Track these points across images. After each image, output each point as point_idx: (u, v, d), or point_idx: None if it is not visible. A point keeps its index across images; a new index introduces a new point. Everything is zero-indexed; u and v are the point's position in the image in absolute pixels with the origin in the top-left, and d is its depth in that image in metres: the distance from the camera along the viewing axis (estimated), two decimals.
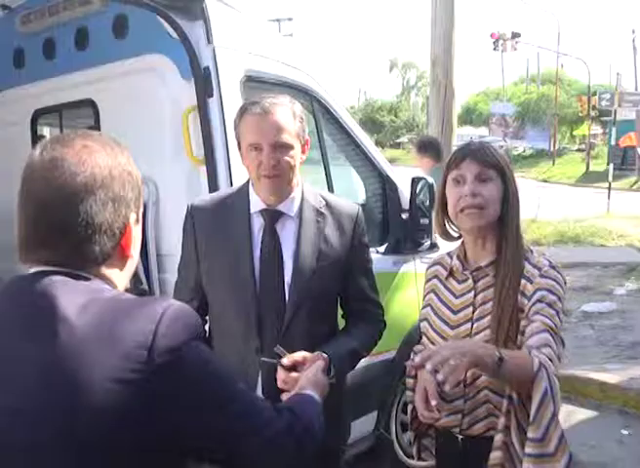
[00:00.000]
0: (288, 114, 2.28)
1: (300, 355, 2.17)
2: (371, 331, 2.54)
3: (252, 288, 2.34)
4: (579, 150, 44.57)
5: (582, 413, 5.70)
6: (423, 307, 2.43)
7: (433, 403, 2.11)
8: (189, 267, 2.50)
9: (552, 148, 42.75)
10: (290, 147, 2.28)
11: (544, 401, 1.93)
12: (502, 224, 2.21)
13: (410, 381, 2.43)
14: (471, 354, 1.85)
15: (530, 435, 1.97)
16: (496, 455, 2.07)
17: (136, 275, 3.61)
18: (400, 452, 4.42)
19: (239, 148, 2.40)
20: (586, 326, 8.00)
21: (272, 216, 2.38)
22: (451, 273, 2.35)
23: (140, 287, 3.65)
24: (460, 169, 2.21)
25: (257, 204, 2.39)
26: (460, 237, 2.38)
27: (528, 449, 1.97)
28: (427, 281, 2.46)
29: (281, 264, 2.36)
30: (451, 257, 2.38)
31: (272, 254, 2.36)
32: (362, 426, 4.05)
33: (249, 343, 2.34)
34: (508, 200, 2.21)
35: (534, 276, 2.15)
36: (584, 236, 14.91)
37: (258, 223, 2.39)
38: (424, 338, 2.38)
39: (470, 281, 2.28)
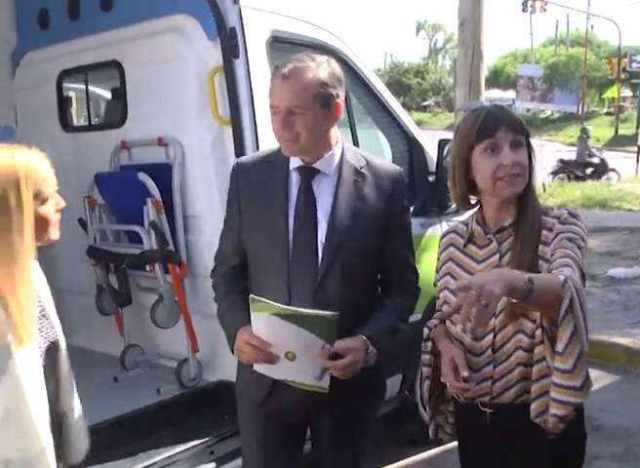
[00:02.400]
0: (308, 78, 2.26)
1: (342, 346, 2.21)
2: (407, 300, 2.55)
3: (285, 243, 2.35)
4: (607, 113, 43.90)
5: (608, 378, 5.68)
6: (442, 277, 2.39)
7: (465, 374, 2.13)
8: (232, 223, 2.53)
9: (581, 111, 42.17)
10: (304, 112, 2.26)
11: (576, 332, 1.90)
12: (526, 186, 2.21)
13: (426, 357, 2.42)
14: (501, 280, 1.82)
15: (558, 365, 1.94)
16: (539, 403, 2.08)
17: (162, 236, 3.64)
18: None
19: None
20: (612, 291, 7.94)
21: (308, 174, 2.39)
22: (470, 239, 2.32)
23: (167, 248, 3.67)
24: (496, 137, 2.16)
25: (295, 161, 2.40)
26: (476, 204, 2.34)
27: (556, 379, 1.95)
28: (443, 250, 2.42)
29: (315, 222, 2.36)
30: (466, 225, 2.35)
31: (306, 211, 2.36)
32: (387, 388, 4.07)
33: (278, 299, 2.32)
34: (531, 163, 2.22)
35: (554, 225, 2.15)
36: (612, 200, 14.77)
37: (295, 180, 2.40)
38: (445, 307, 2.31)
39: (494, 243, 2.25)
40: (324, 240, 2.34)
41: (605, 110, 45.74)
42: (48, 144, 4.36)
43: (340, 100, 2.35)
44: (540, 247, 2.14)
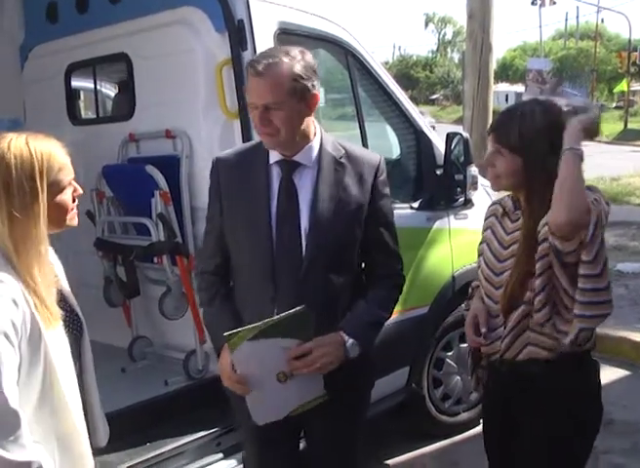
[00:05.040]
0: (282, 74, 2.25)
1: (307, 346, 2.25)
2: (391, 291, 2.56)
3: (268, 237, 2.37)
4: (617, 107, 43.80)
5: (616, 373, 5.67)
6: (480, 243, 2.61)
7: (483, 330, 2.47)
8: (214, 221, 2.55)
9: None
10: (281, 108, 2.26)
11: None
12: (526, 191, 2.39)
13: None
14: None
15: (583, 258, 2.18)
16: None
17: (170, 228, 3.65)
18: (432, 407, 4.44)
19: None
20: (621, 285, 7.91)
21: (289, 167, 2.40)
22: (505, 212, 2.51)
23: (175, 240, 3.68)
24: (489, 140, 2.44)
25: (275, 155, 2.41)
26: None
27: (580, 284, 2.22)
28: (486, 219, 2.63)
29: (297, 214, 2.37)
30: (510, 198, 2.54)
31: (289, 204, 2.38)
32: (394, 381, 4.07)
33: (264, 293, 2.37)
34: (528, 173, 2.34)
35: None
36: (621, 195, 14.72)
37: (276, 174, 2.42)
38: (479, 272, 2.58)
39: (521, 220, 2.43)
40: (308, 230, 2.36)
41: (614, 104, 45.59)
42: (56, 137, 4.39)
43: (316, 91, 2.35)
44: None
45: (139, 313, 4.13)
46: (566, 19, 54.35)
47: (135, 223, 3.98)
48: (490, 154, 2.42)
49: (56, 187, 1.98)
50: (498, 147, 2.38)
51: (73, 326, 2.12)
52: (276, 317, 2.19)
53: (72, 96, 4.48)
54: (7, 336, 1.78)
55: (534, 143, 2.31)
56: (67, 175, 2.02)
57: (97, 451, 2.20)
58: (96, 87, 4.49)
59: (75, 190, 2.06)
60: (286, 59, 2.27)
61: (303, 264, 2.35)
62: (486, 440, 2.69)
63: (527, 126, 2.33)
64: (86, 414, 2.13)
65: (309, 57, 2.35)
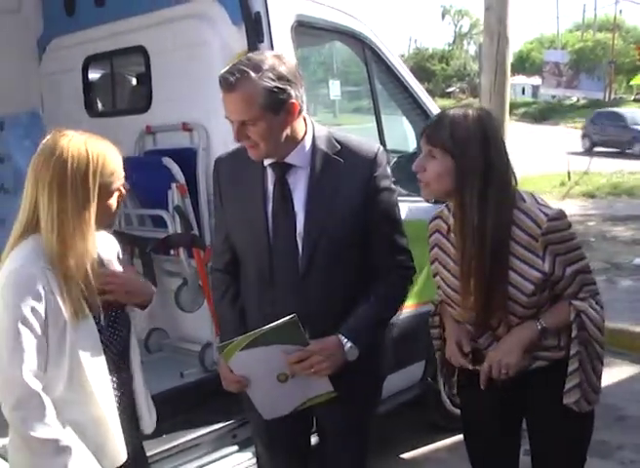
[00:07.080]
0: (252, 91, 2.17)
1: (306, 353, 2.24)
2: (396, 286, 2.48)
3: (265, 240, 2.35)
4: (635, 100, 43.41)
5: (632, 367, 5.66)
6: (432, 262, 2.50)
7: (468, 349, 2.39)
8: (220, 220, 2.56)
9: (607, 98, 41.70)
10: (255, 122, 2.21)
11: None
12: (458, 195, 2.28)
13: (435, 331, 2.58)
14: (516, 350, 2.27)
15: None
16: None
17: (187, 221, 3.65)
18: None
19: None
20: (638, 280, 7.88)
21: (281, 169, 2.36)
22: (450, 228, 2.40)
23: (191, 232, 3.68)
24: (421, 145, 2.35)
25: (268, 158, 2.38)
26: None
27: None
28: (430, 235, 2.52)
29: (293, 215, 2.34)
30: (450, 211, 2.42)
31: (283, 206, 2.35)
32: (410, 375, 4.07)
33: (264, 294, 2.39)
34: (459, 175, 2.24)
35: (532, 229, 2.23)
36: (638, 189, 14.64)
37: (271, 176, 2.39)
38: (440, 291, 2.47)
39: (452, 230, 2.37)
40: (303, 232, 2.33)
41: (633, 97, 45.20)
42: (73, 130, 4.41)
43: (295, 99, 2.24)
44: (512, 244, 2.25)
45: (155, 305, 4.11)
46: (583, 11, 53.80)
47: (151, 216, 3.99)
48: (421, 158, 2.32)
49: (104, 190, 2.02)
50: (429, 149, 2.28)
51: (119, 319, 2.20)
52: (266, 327, 2.19)
53: (89, 88, 4.49)
54: (26, 323, 1.87)
55: (466, 144, 2.23)
56: (118, 179, 2.06)
57: (143, 438, 2.34)
58: (113, 79, 4.50)
59: (120, 194, 2.09)
60: (255, 74, 2.16)
61: (301, 265, 2.33)
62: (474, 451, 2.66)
63: (459, 126, 2.26)
64: (133, 403, 2.24)
65: (288, 63, 2.26)
